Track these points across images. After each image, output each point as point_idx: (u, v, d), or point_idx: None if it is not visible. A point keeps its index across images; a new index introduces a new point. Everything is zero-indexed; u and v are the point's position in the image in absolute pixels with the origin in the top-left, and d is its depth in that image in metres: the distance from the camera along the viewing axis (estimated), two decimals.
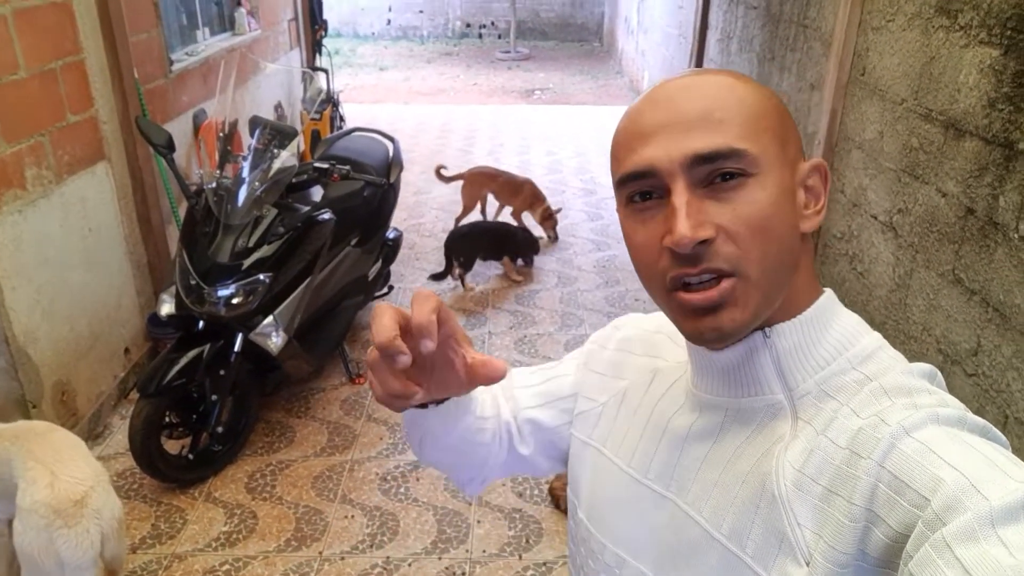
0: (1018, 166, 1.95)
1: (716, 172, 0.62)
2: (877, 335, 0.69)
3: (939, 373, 0.65)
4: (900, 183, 2.58)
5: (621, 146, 0.67)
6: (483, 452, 0.87)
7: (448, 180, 5.00)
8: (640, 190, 0.65)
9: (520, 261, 4.45)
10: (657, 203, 0.65)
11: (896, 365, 0.65)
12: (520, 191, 4.86)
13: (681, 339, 0.83)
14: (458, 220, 4.93)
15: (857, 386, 0.64)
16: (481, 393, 0.87)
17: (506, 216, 4.92)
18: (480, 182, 4.92)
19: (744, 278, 0.62)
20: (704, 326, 0.64)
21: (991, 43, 2.09)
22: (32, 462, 1.79)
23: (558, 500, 2.65)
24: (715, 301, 0.62)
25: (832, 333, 0.68)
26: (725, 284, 0.62)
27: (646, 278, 0.67)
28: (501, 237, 4.39)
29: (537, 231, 4.79)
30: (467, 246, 4.22)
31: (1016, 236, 1.95)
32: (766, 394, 0.68)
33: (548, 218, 4.85)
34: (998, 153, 2.04)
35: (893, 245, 2.62)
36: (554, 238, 4.93)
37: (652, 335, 0.86)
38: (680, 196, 0.62)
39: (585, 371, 0.89)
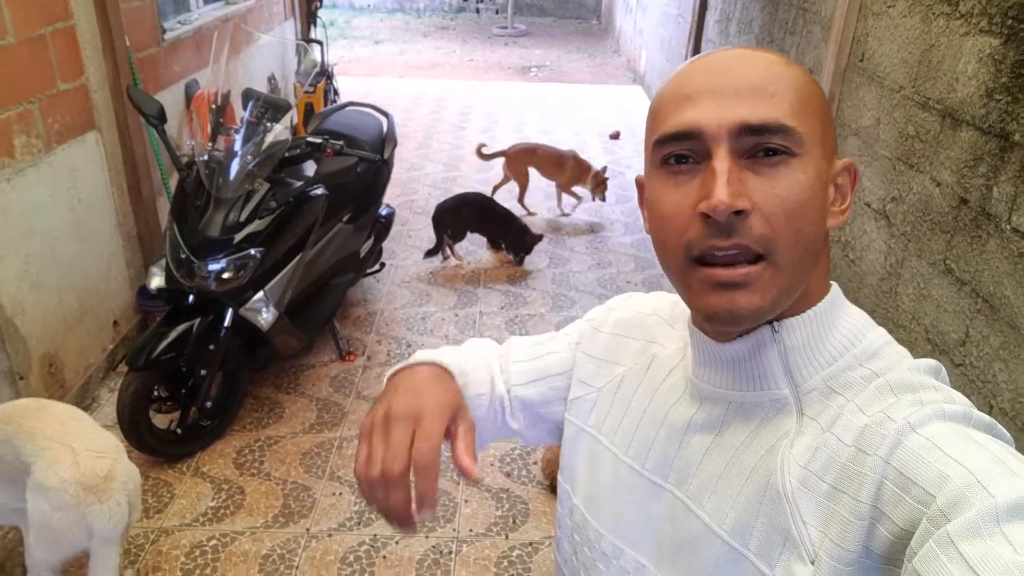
0: (1013, 157, 1.95)
1: (760, 146, 0.61)
2: (882, 331, 0.68)
3: (943, 369, 0.65)
4: (895, 171, 2.58)
5: (665, 106, 0.66)
6: (478, 425, 0.87)
7: (489, 158, 5.00)
8: (678, 152, 0.63)
9: (507, 253, 4.36)
10: (693, 168, 0.63)
11: (902, 361, 0.65)
12: (564, 164, 4.85)
13: (679, 322, 0.82)
14: (520, 200, 4.97)
15: (863, 382, 0.64)
16: (476, 372, 0.87)
17: (506, 199, 4.90)
18: (522, 158, 4.90)
19: (772, 263, 0.61)
20: (720, 304, 0.62)
21: (991, 32, 2.08)
22: (44, 440, 1.80)
23: (552, 480, 2.66)
24: (738, 279, 0.61)
25: (839, 330, 0.67)
26: (752, 268, 0.61)
27: (666, 246, 0.65)
28: (489, 212, 4.29)
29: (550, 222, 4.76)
30: (455, 218, 4.18)
31: (1008, 228, 1.95)
32: (771, 389, 0.67)
33: (600, 184, 4.84)
34: (994, 144, 2.03)
35: (886, 233, 2.62)
36: (603, 199, 4.96)
37: (646, 317, 0.85)
38: (722, 162, 0.60)
39: (578, 352, 0.88)
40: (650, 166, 0.67)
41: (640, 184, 0.74)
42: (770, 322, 0.66)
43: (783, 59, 0.65)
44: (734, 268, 0.61)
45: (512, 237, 4.25)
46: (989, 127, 2.06)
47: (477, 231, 4.32)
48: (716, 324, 0.66)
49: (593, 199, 4.94)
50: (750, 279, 0.61)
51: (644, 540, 0.74)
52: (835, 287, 0.70)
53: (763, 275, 0.61)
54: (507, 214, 4.29)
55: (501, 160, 4.98)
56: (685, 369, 0.76)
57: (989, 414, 1.97)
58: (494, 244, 4.37)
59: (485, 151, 5.01)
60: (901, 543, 0.54)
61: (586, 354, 0.87)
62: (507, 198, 4.84)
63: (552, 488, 2.66)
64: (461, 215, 4.20)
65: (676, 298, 0.86)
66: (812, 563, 0.59)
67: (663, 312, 0.85)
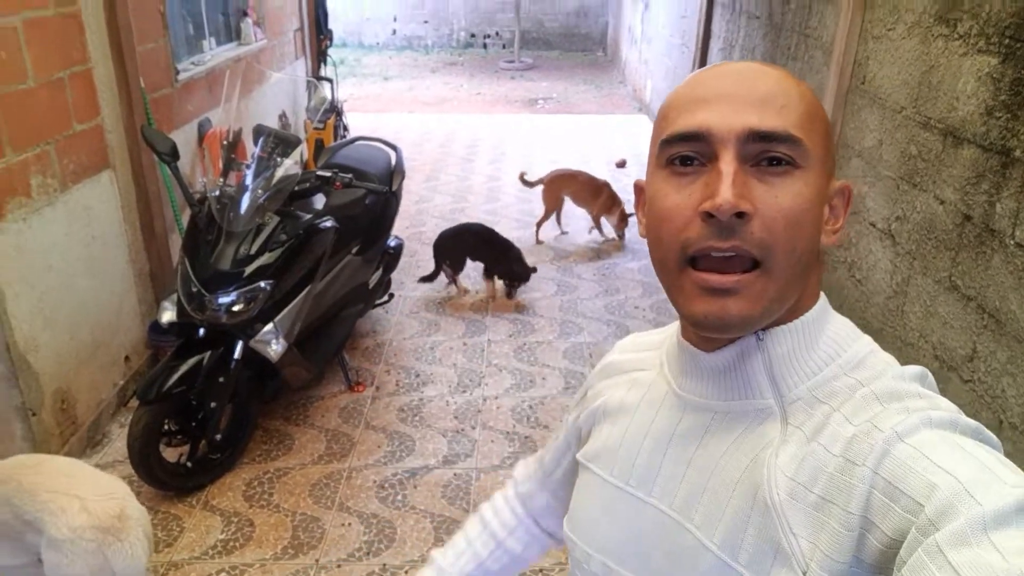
0: (1015, 173, 1.95)
1: (766, 153, 0.62)
2: (868, 339, 0.69)
3: (929, 374, 0.65)
4: (899, 191, 2.58)
5: (675, 107, 0.67)
6: (524, 556, 1.03)
7: (531, 185, 5.10)
8: (685, 153, 0.65)
9: (500, 282, 4.26)
10: (698, 170, 0.64)
11: (888, 370, 0.65)
12: (600, 193, 4.92)
13: (664, 344, 0.83)
14: (539, 224, 5.07)
15: (849, 392, 0.64)
16: (500, 549, 1.02)
17: (508, 226, 4.93)
18: (559, 184, 4.98)
19: (766, 271, 0.62)
20: (710, 310, 0.62)
21: (989, 51, 2.10)
22: (47, 494, 1.79)
23: None
24: (730, 286, 0.61)
25: (825, 339, 0.68)
26: (745, 276, 0.61)
27: (663, 246, 0.65)
28: (490, 242, 4.23)
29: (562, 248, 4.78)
30: (454, 245, 4.17)
31: (1012, 243, 1.95)
32: (756, 398, 0.68)
33: (623, 220, 4.92)
34: (995, 160, 2.04)
35: (891, 252, 2.62)
36: (622, 239, 5.04)
37: (636, 353, 0.86)
38: (728, 164, 0.61)
39: (582, 412, 0.90)
40: (654, 166, 0.68)
41: (639, 188, 0.75)
42: (756, 331, 0.67)
43: (792, 76, 0.67)
44: (727, 275, 0.62)
45: (506, 266, 4.18)
46: (990, 144, 2.07)
47: (474, 258, 4.30)
48: (704, 330, 0.66)
49: (615, 235, 5.02)
50: (742, 286, 0.62)
51: (631, 556, 0.74)
52: (823, 299, 0.70)
53: (755, 284, 0.62)
54: (506, 243, 4.27)
55: (510, 191, 5.03)
56: (666, 382, 0.77)
57: (999, 429, 1.95)
58: (488, 273, 4.33)
59: (528, 179, 5.12)
60: (891, 553, 0.54)
61: (586, 409, 0.90)
62: (511, 227, 4.87)
63: None
64: (460, 242, 4.20)
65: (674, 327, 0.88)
66: (804, 574, 0.59)
67: (655, 343, 0.86)
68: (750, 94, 0.63)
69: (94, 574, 1.76)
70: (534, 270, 4.26)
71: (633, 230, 5.11)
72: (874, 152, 2.78)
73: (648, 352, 0.84)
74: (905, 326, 2.50)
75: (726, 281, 0.62)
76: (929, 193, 2.38)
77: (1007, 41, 2.03)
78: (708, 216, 0.61)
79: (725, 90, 0.64)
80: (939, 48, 2.37)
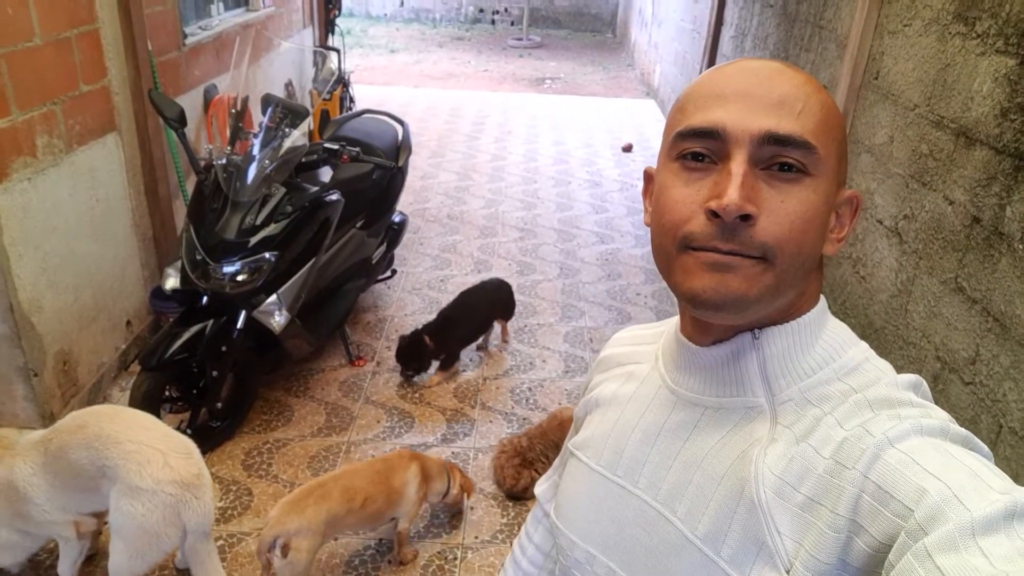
0: None
1: (779, 158, 0.62)
2: (864, 346, 0.69)
3: (924, 383, 0.66)
4: (908, 189, 2.58)
5: (693, 101, 0.67)
6: None
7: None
8: (697, 149, 0.64)
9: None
10: (709, 167, 0.64)
11: (882, 377, 0.65)
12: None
13: (661, 337, 0.84)
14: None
15: (842, 396, 0.64)
16: None
17: (512, 206, 4.90)
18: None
19: (767, 264, 0.62)
20: (708, 283, 0.62)
21: (1008, 52, 2.09)
22: (131, 444, 1.85)
23: (505, 482, 2.66)
24: (730, 262, 0.61)
25: (820, 343, 0.68)
26: (746, 259, 0.62)
27: (665, 231, 0.66)
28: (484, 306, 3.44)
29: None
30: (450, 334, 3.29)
31: (1021, 247, 1.95)
32: (747, 396, 0.68)
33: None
34: (1008, 163, 2.04)
35: (897, 251, 2.62)
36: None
37: (632, 347, 0.87)
38: (739, 165, 0.61)
39: (578, 410, 0.91)
40: (665, 158, 0.68)
41: (648, 175, 0.75)
42: (751, 329, 0.67)
43: (815, 81, 0.66)
44: (726, 256, 0.62)
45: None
46: (1004, 147, 2.06)
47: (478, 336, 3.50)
48: (701, 307, 0.65)
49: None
50: (742, 266, 0.62)
51: (615, 546, 0.75)
52: (822, 303, 0.71)
53: (756, 267, 0.62)
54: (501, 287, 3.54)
55: (515, 171, 4.89)
56: (659, 377, 0.77)
57: (998, 434, 1.97)
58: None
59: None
60: (879, 556, 0.55)
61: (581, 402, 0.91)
62: (514, 208, 4.83)
63: (508, 496, 2.66)
64: (454, 327, 3.32)
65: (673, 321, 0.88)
66: (787, 572, 0.60)
67: (651, 337, 0.86)
68: (768, 95, 0.63)
69: (167, 528, 1.84)
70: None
71: (624, 204, 5.10)
72: (884, 149, 2.78)
73: (644, 346, 0.85)
74: (908, 325, 2.51)
75: (727, 258, 0.62)
76: (938, 193, 2.38)
77: None
78: (713, 215, 0.61)
79: (744, 89, 0.64)
80: (956, 46, 2.36)
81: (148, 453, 1.83)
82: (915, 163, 2.55)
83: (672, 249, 0.65)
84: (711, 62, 5.83)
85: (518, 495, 2.65)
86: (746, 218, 0.60)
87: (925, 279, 2.43)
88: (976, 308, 2.13)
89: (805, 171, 0.62)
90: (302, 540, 1.99)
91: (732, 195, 0.60)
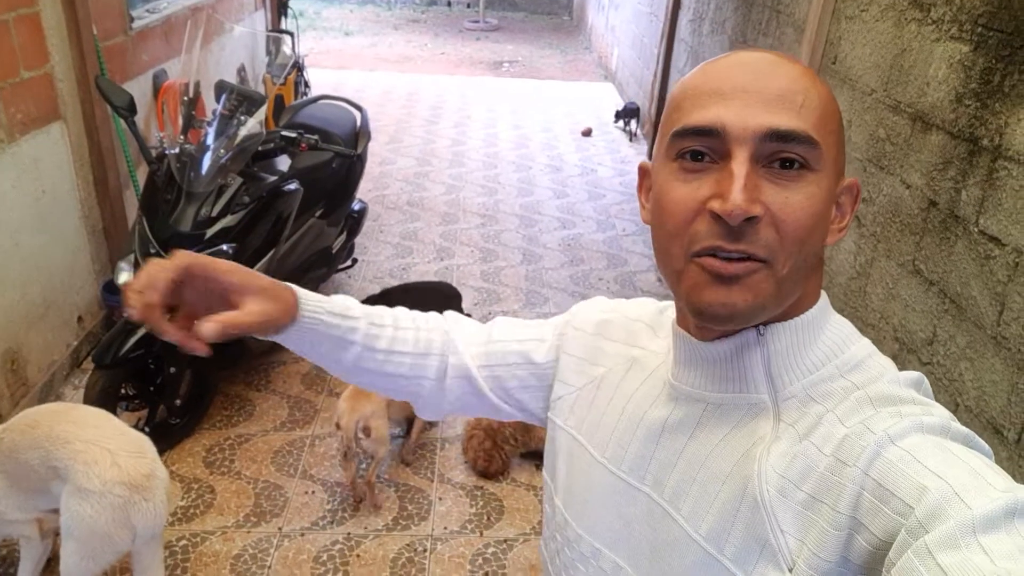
0: (981, 161, 1.99)
1: (780, 154, 0.61)
2: (866, 341, 0.69)
3: (925, 380, 0.66)
4: (865, 173, 2.62)
5: (689, 98, 0.65)
6: (404, 383, 0.89)
7: None
8: (696, 148, 0.63)
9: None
10: (708, 167, 0.62)
11: (884, 374, 0.65)
12: None
13: (663, 329, 0.83)
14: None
15: (844, 393, 0.64)
16: (402, 331, 0.88)
17: (473, 192, 4.87)
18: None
19: (772, 268, 0.61)
20: (715, 298, 0.62)
21: (962, 39, 2.12)
22: (80, 443, 1.79)
23: (477, 464, 2.67)
24: (738, 272, 0.61)
25: (824, 339, 0.68)
26: (751, 265, 0.61)
27: (669, 235, 0.64)
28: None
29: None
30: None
31: (976, 230, 1.99)
32: (750, 392, 0.67)
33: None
34: (963, 148, 2.08)
35: (855, 234, 2.67)
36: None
37: (632, 322, 0.85)
38: (741, 165, 0.60)
39: (561, 352, 0.88)
40: (663, 157, 0.66)
41: (644, 170, 0.73)
42: (756, 326, 0.67)
43: (812, 72, 0.65)
44: (733, 263, 0.61)
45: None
46: (959, 131, 2.10)
47: None
48: (707, 320, 0.65)
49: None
50: (747, 275, 0.61)
51: (622, 542, 0.74)
52: (824, 298, 0.70)
53: (759, 274, 0.61)
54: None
55: (475, 156, 4.87)
56: (665, 371, 0.76)
57: (955, 411, 2.02)
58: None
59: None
60: (879, 553, 0.55)
61: (568, 354, 0.87)
62: (475, 194, 4.80)
63: (481, 474, 2.68)
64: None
65: (662, 306, 0.87)
66: (790, 571, 0.60)
67: (647, 318, 0.85)
68: (767, 89, 0.61)
69: (117, 530, 1.78)
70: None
71: (585, 188, 5.10)
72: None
73: (636, 324, 0.84)
74: (867, 307, 2.56)
75: (732, 268, 0.61)
76: (896, 177, 2.42)
77: (979, 29, 2.06)
78: (717, 216, 0.60)
79: (742, 84, 0.62)
80: (912, 32, 2.39)
81: (96, 453, 1.78)
82: (873, 147, 2.58)
83: (681, 256, 0.64)
84: (669, 46, 5.84)
85: (491, 476, 2.67)
86: (751, 219, 0.59)
87: (883, 262, 2.47)
88: (933, 290, 2.18)
89: (807, 166, 0.61)
90: (376, 419, 2.44)
91: (736, 198, 0.59)
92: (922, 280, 2.24)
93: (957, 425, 0.60)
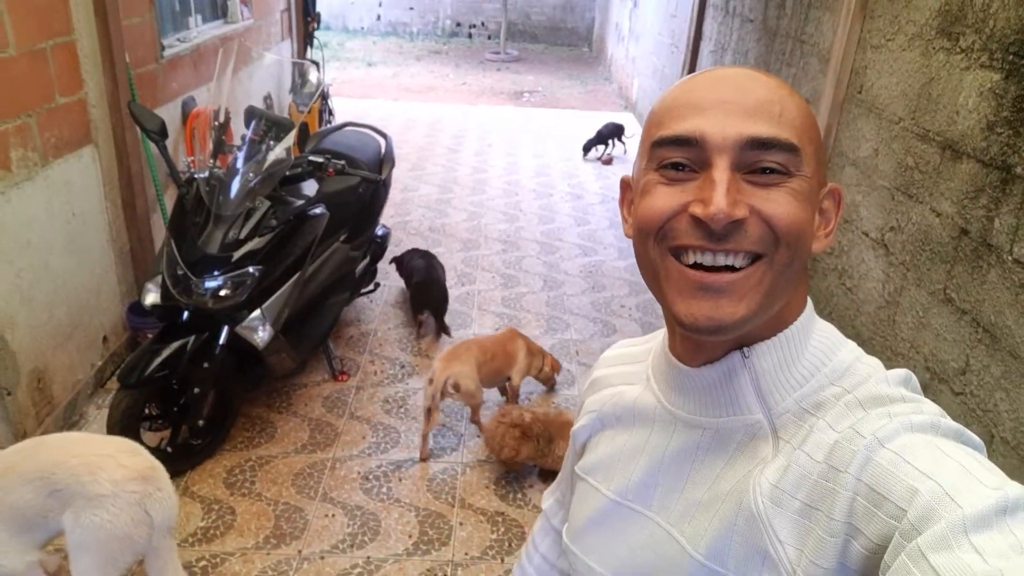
0: (1015, 189, 1.97)
1: (761, 162, 0.61)
2: (852, 345, 0.69)
3: (913, 376, 0.66)
4: (893, 201, 2.60)
5: (668, 110, 0.66)
6: None
7: None
8: (676, 158, 0.64)
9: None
10: (690, 176, 0.63)
11: (872, 374, 0.65)
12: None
13: (648, 357, 0.83)
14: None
15: (835, 400, 0.64)
16: None
17: (494, 218, 4.88)
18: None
19: (770, 260, 0.62)
20: (703, 309, 0.62)
21: (992, 67, 2.11)
22: (75, 459, 1.79)
23: (504, 452, 2.67)
24: (722, 285, 0.61)
25: (810, 350, 0.68)
26: (743, 272, 0.61)
27: (649, 234, 0.65)
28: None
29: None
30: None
31: (1010, 259, 1.97)
32: (745, 414, 0.68)
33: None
34: (995, 176, 2.06)
35: (884, 262, 2.64)
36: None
37: (622, 367, 0.87)
38: (722, 172, 0.61)
39: (577, 432, 0.90)
40: (643, 170, 0.67)
41: (626, 184, 0.74)
42: (740, 348, 0.67)
43: (787, 85, 0.66)
44: (721, 274, 0.61)
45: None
46: (991, 160, 2.08)
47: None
48: (694, 332, 0.64)
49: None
50: (735, 285, 0.61)
51: (627, 569, 0.75)
52: (809, 308, 0.70)
53: (753, 276, 0.62)
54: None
55: (496, 184, 4.91)
56: (656, 398, 0.76)
57: (990, 443, 1.97)
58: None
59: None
60: (875, 558, 0.55)
61: (579, 424, 0.90)
62: (496, 220, 4.81)
63: (502, 463, 2.72)
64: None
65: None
66: None
67: (638, 355, 0.86)
68: (744, 100, 0.63)
69: (137, 527, 1.78)
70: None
71: (607, 216, 5.09)
72: (869, 161, 2.80)
73: (632, 366, 0.85)
74: (896, 336, 2.52)
75: (719, 280, 0.61)
76: (925, 205, 2.40)
77: (1011, 57, 2.05)
78: (699, 221, 0.61)
79: (722, 96, 0.63)
80: (940, 61, 2.38)
81: (97, 460, 1.78)
82: (901, 176, 2.57)
83: (654, 252, 0.64)
84: None
85: (516, 465, 2.70)
86: (737, 222, 0.60)
87: (913, 290, 2.44)
88: (966, 319, 2.15)
89: (788, 173, 0.62)
90: (465, 378, 2.78)
91: (719, 202, 0.59)
92: (954, 309, 2.21)
93: (947, 421, 0.59)
